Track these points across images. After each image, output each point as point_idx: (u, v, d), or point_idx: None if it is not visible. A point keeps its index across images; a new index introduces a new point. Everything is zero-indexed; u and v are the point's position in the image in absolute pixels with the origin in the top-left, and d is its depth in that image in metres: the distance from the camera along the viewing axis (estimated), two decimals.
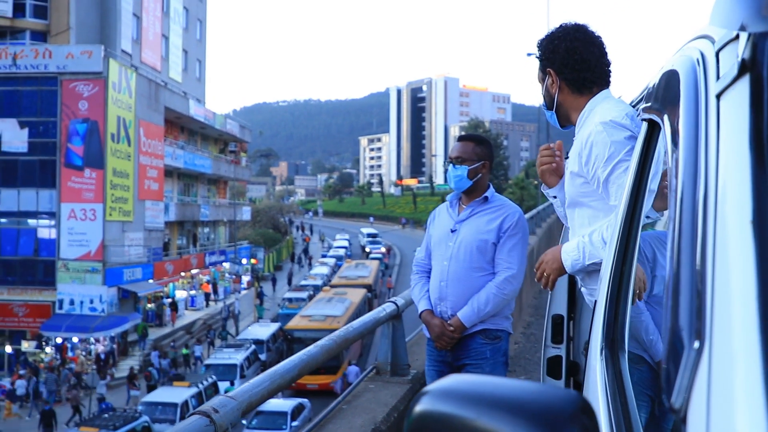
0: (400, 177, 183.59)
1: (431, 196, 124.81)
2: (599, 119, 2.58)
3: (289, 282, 55.95)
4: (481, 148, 4.14)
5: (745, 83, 0.92)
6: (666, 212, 2.01)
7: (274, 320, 39.39)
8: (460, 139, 4.23)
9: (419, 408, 1.04)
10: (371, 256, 64.99)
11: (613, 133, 2.51)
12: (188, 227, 49.44)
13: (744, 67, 0.93)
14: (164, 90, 42.17)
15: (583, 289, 2.80)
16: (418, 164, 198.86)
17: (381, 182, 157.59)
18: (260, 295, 47.55)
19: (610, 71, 2.82)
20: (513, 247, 4.03)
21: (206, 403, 2.59)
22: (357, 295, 34.89)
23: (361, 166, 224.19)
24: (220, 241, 55.87)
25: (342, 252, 68.89)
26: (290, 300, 41.49)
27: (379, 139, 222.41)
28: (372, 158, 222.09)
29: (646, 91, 2.06)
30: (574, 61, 2.74)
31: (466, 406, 1.00)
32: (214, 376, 26.32)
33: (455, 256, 4.03)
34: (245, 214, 60.73)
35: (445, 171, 4.29)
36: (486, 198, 4.12)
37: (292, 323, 30.22)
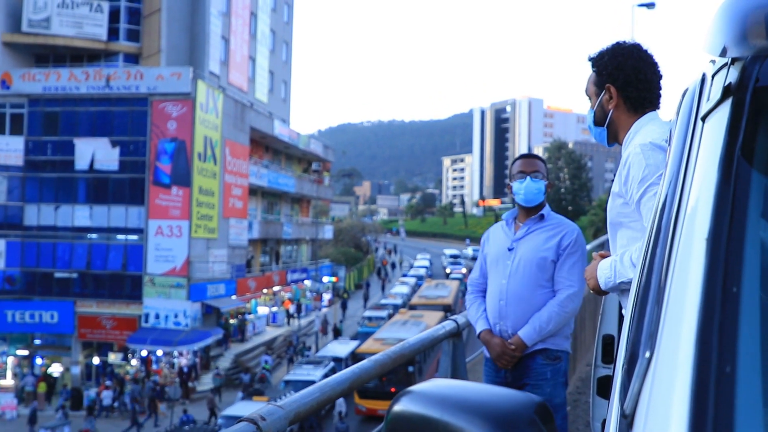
0: (482, 197, 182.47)
1: None
2: (639, 141, 2.61)
3: (366, 301, 56.68)
4: (546, 168, 4.19)
5: (726, 107, 0.96)
6: None
7: (353, 338, 39.60)
8: (527, 156, 4.23)
9: (396, 408, 1.14)
10: (451, 276, 64.79)
11: (650, 155, 2.52)
12: (271, 245, 50.23)
13: (727, 92, 0.96)
14: (250, 110, 43.11)
15: (623, 310, 2.80)
16: (500, 185, 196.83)
17: (463, 202, 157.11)
18: (344, 306, 48.19)
19: (661, 94, 2.83)
20: (573, 265, 4.00)
21: (255, 411, 2.66)
22: (433, 319, 34.05)
23: (443, 186, 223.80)
24: (302, 259, 56.58)
25: (423, 272, 68.90)
26: (370, 318, 41.71)
27: (461, 160, 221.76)
28: (454, 179, 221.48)
29: None
30: (638, 80, 2.74)
31: (434, 406, 1.07)
32: (292, 392, 26.52)
33: (514, 275, 4.01)
34: (327, 232, 61.34)
35: (509, 186, 4.23)
36: (542, 216, 4.11)
37: (364, 346, 29.53)
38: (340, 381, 3.36)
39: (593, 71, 2.90)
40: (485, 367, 4.24)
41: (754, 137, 0.90)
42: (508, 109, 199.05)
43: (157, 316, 34.86)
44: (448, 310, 39.54)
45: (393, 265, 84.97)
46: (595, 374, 3.52)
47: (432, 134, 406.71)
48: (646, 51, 2.79)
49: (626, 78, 2.75)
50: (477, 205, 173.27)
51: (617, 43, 2.84)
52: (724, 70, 1.05)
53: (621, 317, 3.51)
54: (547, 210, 4.15)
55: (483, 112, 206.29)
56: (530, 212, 4.12)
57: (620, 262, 2.58)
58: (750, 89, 0.94)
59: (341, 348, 34.82)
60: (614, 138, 2.90)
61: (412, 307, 40.48)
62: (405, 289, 53.88)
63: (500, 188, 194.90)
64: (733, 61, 0.99)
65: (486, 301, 4.18)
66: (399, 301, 47.46)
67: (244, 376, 33.93)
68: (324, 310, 51.81)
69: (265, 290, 45.16)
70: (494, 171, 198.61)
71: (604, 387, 3.49)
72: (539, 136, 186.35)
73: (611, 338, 3.56)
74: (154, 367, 33.60)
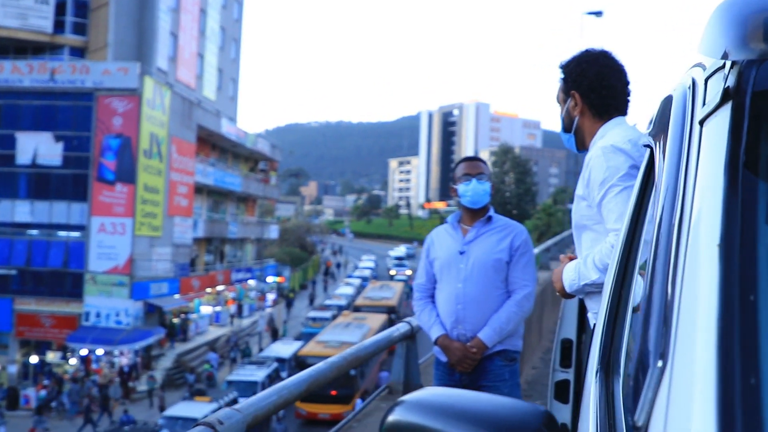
0: (428, 200, 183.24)
1: None
2: (601, 143, 2.62)
3: (311, 301, 56.61)
4: (490, 170, 4.22)
5: (726, 111, 0.96)
6: None
7: (297, 338, 39.48)
8: (471, 159, 4.22)
9: (392, 417, 1.09)
10: (396, 277, 64.99)
11: (611, 157, 2.53)
12: (216, 244, 49.75)
13: (727, 95, 0.97)
14: (197, 108, 42.67)
15: (589, 314, 2.81)
16: (446, 188, 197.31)
17: (409, 204, 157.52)
18: (290, 305, 48.01)
19: (629, 100, 2.84)
20: (526, 265, 4.04)
21: (212, 415, 2.66)
22: (377, 321, 34.00)
23: (389, 188, 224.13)
24: (246, 259, 56.14)
25: (367, 273, 69.01)
26: (314, 319, 41.66)
27: (408, 162, 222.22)
28: (401, 180, 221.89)
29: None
30: (602, 86, 2.75)
31: (436, 417, 1.05)
32: (235, 393, 26.41)
33: (469, 278, 3.99)
34: (273, 232, 60.96)
35: (453, 189, 4.21)
36: (489, 218, 4.13)
37: (306, 349, 28.94)
38: (297, 383, 3.35)
39: (561, 77, 2.92)
40: (436, 370, 4.20)
41: (757, 142, 0.91)
42: (456, 112, 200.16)
43: (98, 315, 34.26)
44: (393, 311, 39.70)
45: (338, 265, 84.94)
46: (553, 378, 3.51)
47: (379, 136, 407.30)
48: (612, 58, 2.80)
49: (590, 85, 2.76)
50: (422, 207, 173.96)
51: (585, 50, 2.85)
52: (720, 74, 1.05)
53: (581, 321, 3.57)
54: (492, 211, 4.18)
55: (430, 115, 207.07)
56: (476, 215, 4.12)
57: (584, 265, 2.59)
58: (749, 93, 0.94)
59: (285, 348, 34.64)
60: (582, 144, 2.90)
61: (357, 309, 40.55)
62: (350, 290, 53.93)
63: (446, 191, 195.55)
64: (732, 64, 0.99)
65: (438, 306, 4.13)
66: (344, 302, 47.48)
67: (189, 376, 33.56)
68: (268, 310, 51.48)
69: (208, 290, 44.71)
70: (440, 174, 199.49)
71: (561, 391, 3.48)
72: (486, 140, 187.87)
73: (570, 342, 3.54)
74: (93, 366, 33.00)
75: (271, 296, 55.30)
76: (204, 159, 45.10)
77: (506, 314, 3.94)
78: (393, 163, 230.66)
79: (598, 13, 31.70)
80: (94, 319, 34.21)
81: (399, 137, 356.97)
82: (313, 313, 44.17)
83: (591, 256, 2.57)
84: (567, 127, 2.91)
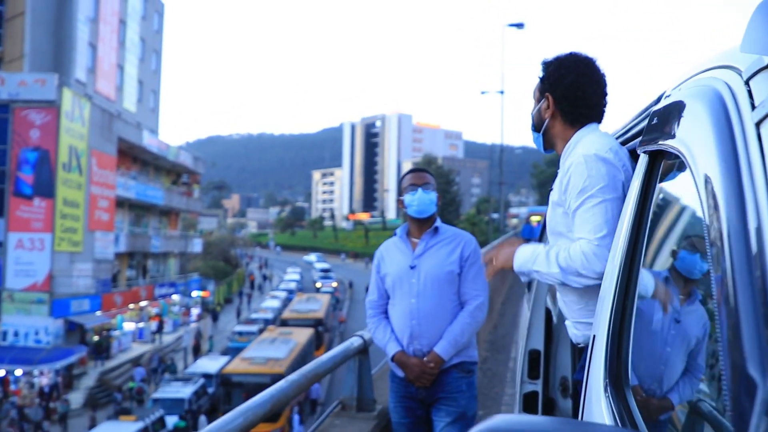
0: (352, 211, 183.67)
1: (383, 230, 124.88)
2: (582, 151, 2.55)
3: (238, 315, 55.93)
4: (436, 181, 4.16)
5: None
6: None
7: (224, 353, 38.92)
8: (417, 170, 4.18)
9: None
10: (322, 290, 64.75)
11: (593, 166, 2.47)
12: (138, 258, 48.74)
13: None
14: (118, 120, 41.77)
15: (568, 323, 2.74)
16: (370, 199, 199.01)
17: (333, 216, 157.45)
18: (215, 318, 47.32)
19: (605, 110, 2.80)
20: (476, 274, 4.01)
21: None
22: (303, 335, 33.35)
23: (313, 199, 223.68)
24: (170, 273, 55.16)
25: (293, 285, 68.61)
26: (240, 333, 41.15)
27: (331, 174, 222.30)
28: (324, 192, 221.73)
29: (643, 124, 2.05)
30: (576, 96, 2.71)
31: None
32: (161, 411, 25.86)
33: (423, 293, 3.95)
34: (196, 246, 60.08)
35: (400, 201, 4.14)
36: (437, 228, 4.09)
37: (231, 367, 27.98)
38: (260, 404, 3.26)
39: (539, 76, 2.86)
40: (392, 384, 4.17)
41: None
42: (378, 124, 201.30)
43: (16, 334, 33.14)
44: (320, 324, 39.46)
45: (264, 278, 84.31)
46: (522, 390, 3.49)
47: (302, 148, 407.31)
48: (593, 67, 2.74)
49: (564, 92, 2.72)
50: (347, 218, 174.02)
51: (569, 53, 2.79)
52: (764, 74, 1.04)
53: (548, 332, 3.56)
54: (439, 222, 4.13)
55: (353, 127, 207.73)
56: (423, 225, 4.08)
57: (545, 255, 2.56)
58: None
59: (211, 364, 34.07)
60: (550, 145, 2.86)
61: (284, 322, 40.11)
62: (276, 303, 53.41)
63: (369, 202, 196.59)
64: None
65: (393, 322, 4.09)
66: (270, 315, 47.02)
67: (117, 395, 32.68)
68: (193, 325, 50.65)
69: (131, 305, 43.70)
70: (364, 185, 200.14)
71: (529, 403, 3.45)
72: (408, 151, 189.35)
73: (537, 353, 3.52)
74: (12, 387, 31.89)
75: (195, 311, 54.46)
76: (125, 172, 44.16)
77: (460, 326, 3.92)
78: (316, 175, 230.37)
79: (520, 25, 32.34)
80: (12, 339, 33.08)
81: (322, 149, 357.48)
82: (239, 327, 43.63)
83: (556, 252, 2.53)
84: (537, 127, 2.87)
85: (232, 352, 36.25)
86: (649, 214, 1.71)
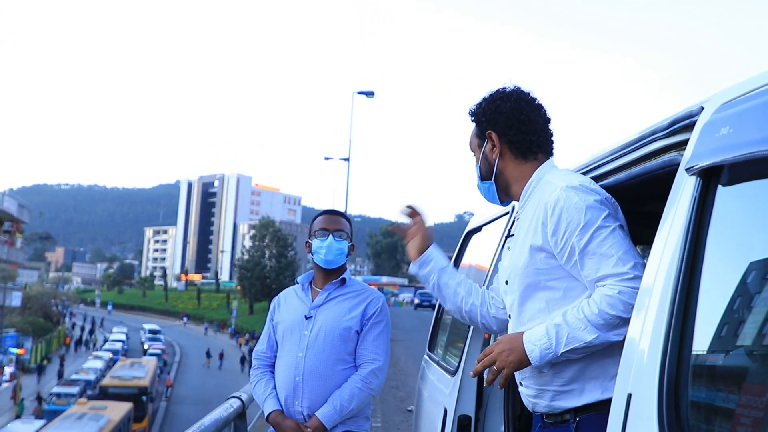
0: (184, 271, 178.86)
1: (216, 292, 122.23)
2: (564, 184, 2.30)
3: (59, 377, 52.62)
4: (351, 229, 3.81)
5: None
6: None
7: (39, 417, 36.29)
8: (331, 212, 3.83)
9: None
10: (150, 352, 62.17)
11: (586, 197, 2.25)
12: None
13: None
14: None
15: (522, 388, 2.48)
16: (204, 259, 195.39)
17: (164, 275, 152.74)
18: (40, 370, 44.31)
19: (553, 140, 2.58)
20: (378, 336, 3.59)
21: None
22: (119, 411, 29.47)
23: (144, 257, 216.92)
24: None
25: (119, 345, 65.64)
26: (59, 395, 38.54)
27: (165, 231, 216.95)
28: (156, 250, 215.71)
29: (620, 161, 2.06)
30: (520, 121, 2.48)
31: None
32: None
33: (312, 346, 3.52)
34: (15, 299, 56.49)
35: (308, 244, 3.77)
36: (344, 280, 3.70)
37: None
38: None
39: (473, 122, 2.65)
40: None
41: None
42: (216, 183, 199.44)
43: None
44: (144, 393, 36.70)
45: (91, 333, 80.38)
46: None
47: (135, 203, 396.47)
48: (527, 93, 2.56)
49: (506, 121, 2.50)
50: (179, 278, 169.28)
51: (497, 89, 2.59)
52: None
53: (479, 396, 3.31)
54: (348, 274, 3.74)
55: (190, 185, 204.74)
56: (329, 275, 3.69)
57: (566, 324, 2.19)
58: None
59: (25, 428, 31.63)
60: (505, 192, 2.60)
61: (103, 390, 37.23)
62: (99, 364, 50.70)
63: (203, 263, 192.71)
64: None
65: (276, 377, 3.65)
66: (92, 376, 44.58)
67: None
68: (5, 384, 47.18)
69: None
70: (198, 245, 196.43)
71: None
72: (246, 213, 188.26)
73: (468, 419, 3.26)
74: None
75: (8, 369, 50.80)
76: None
77: (349, 391, 3.47)
78: (149, 232, 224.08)
79: (370, 94, 33.00)
80: None
81: (156, 205, 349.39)
82: (57, 389, 40.91)
83: (576, 310, 2.20)
84: (486, 175, 2.61)
85: (49, 415, 33.86)
86: (705, 245, 1.58)
